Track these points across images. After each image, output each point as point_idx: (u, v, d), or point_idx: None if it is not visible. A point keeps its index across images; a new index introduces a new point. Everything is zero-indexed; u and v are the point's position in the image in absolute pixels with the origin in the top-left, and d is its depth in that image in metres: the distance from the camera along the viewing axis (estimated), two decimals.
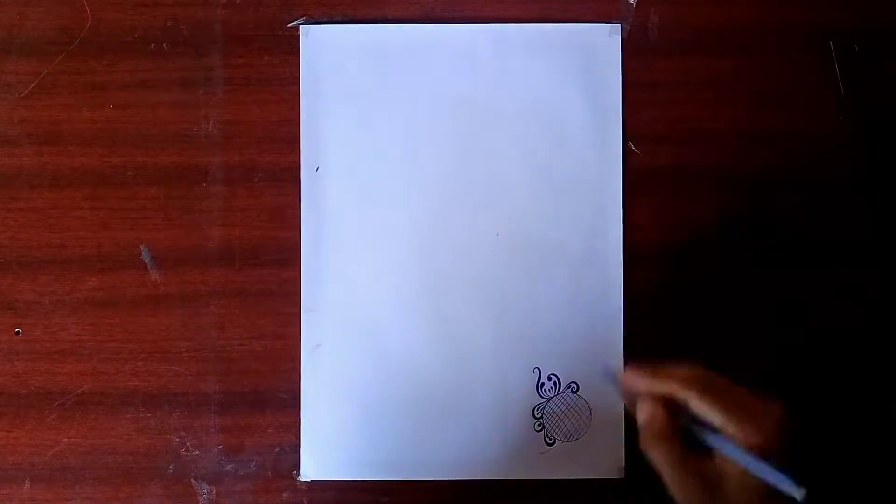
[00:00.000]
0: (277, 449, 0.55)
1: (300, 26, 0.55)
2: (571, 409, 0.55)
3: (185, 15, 0.55)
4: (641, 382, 0.47)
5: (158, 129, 0.55)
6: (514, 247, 0.55)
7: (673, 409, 0.46)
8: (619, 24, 0.55)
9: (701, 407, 0.44)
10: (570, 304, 0.55)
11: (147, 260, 0.55)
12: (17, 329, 0.55)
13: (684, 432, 0.46)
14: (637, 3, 0.56)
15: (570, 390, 0.55)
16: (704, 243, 0.55)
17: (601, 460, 0.54)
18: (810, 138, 0.55)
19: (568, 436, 0.55)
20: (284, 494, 0.55)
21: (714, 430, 0.44)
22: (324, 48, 0.55)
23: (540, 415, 0.55)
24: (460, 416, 0.54)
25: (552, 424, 0.55)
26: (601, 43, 0.55)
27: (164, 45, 0.55)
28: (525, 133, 0.55)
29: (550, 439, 0.55)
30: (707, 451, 0.45)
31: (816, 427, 0.55)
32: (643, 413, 0.47)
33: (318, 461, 0.54)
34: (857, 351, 0.55)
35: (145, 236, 0.55)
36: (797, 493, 0.41)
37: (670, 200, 0.55)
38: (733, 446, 0.43)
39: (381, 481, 0.54)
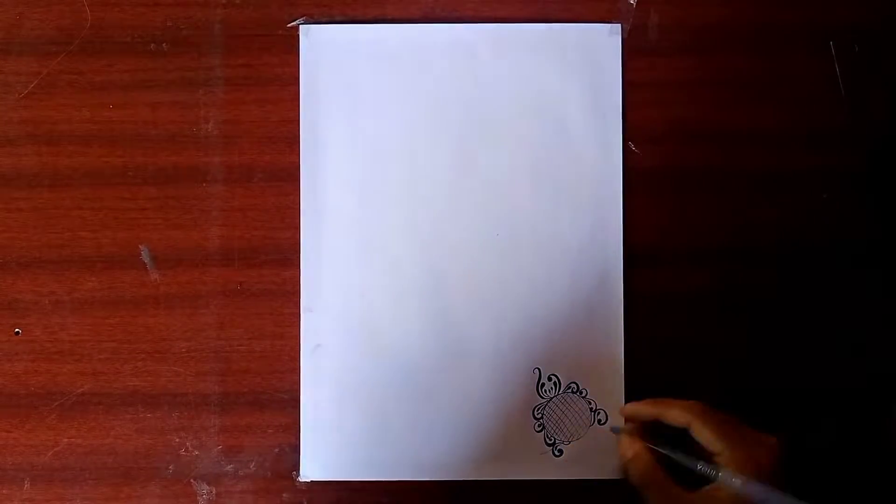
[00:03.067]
0: (277, 449, 0.55)
1: (300, 26, 0.55)
2: (571, 410, 0.55)
3: (185, 15, 0.55)
4: (644, 410, 0.51)
5: (158, 129, 0.55)
6: (514, 247, 0.55)
7: (655, 444, 0.51)
8: (619, 24, 0.55)
9: (702, 433, 0.48)
10: (570, 305, 0.55)
11: (147, 260, 0.55)
12: (16, 329, 0.55)
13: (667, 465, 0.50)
14: (637, 3, 0.56)
15: (570, 391, 0.55)
16: (704, 243, 0.55)
17: (601, 461, 0.54)
18: (810, 138, 0.55)
19: (568, 436, 0.55)
20: (284, 495, 0.55)
21: (706, 459, 0.48)
22: (324, 48, 0.55)
23: (540, 415, 0.55)
24: (460, 417, 0.54)
25: (552, 425, 0.55)
26: (601, 43, 0.55)
27: (164, 45, 0.55)
28: (525, 133, 0.55)
29: (550, 440, 0.55)
30: (692, 484, 0.48)
31: (810, 429, 0.55)
32: (628, 451, 0.51)
33: (317, 461, 0.54)
34: (857, 351, 0.55)
35: (145, 236, 0.55)
36: None
37: (670, 200, 0.55)
38: (728, 472, 0.47)
39: (380, 481, 0.54)
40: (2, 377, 0.55)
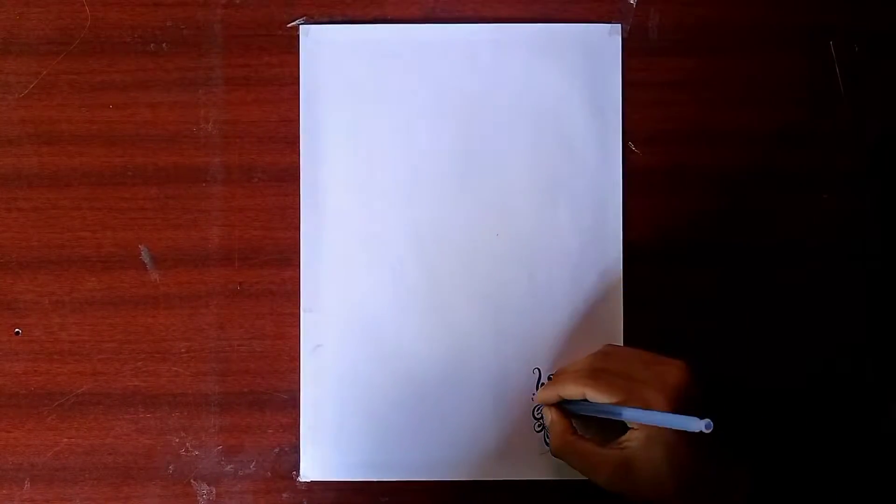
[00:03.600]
0: (277, 449, 0.55)
1: (300, 26, 0.55)
2: None
3: (185, 15, 0.55)
4: (549, 396, 0.52)
5: (158, 129, 0.55)
6: (514, 247, 0.55)
7: (568, 406, 0.51)
8: (619, 24, 0.55)
9: (596, 397, 0.48)
10: (570, 304, 0.55)
11: (146, 260, 0.55)
12: (16, 329, 0.55)
13: (589, 421, 0.51)
14: (637, 3, 0.56)
15: None
16: (704, 243, 0.55)
17: None
18: (810, 138, 0.55)
19: None
20: (284, 495, 0.55)
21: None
22: (324, 48, 0.55)
23: (540, 415, 0.55)
24: (460, 417, 0.54)
25: None
26: (601, 43, 0.55)
27: (164, 45, 0.55)
28: (525, 133, 0.55)
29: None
30: (610, 439, 0.49)
31: (811, 429, 0.55)
32: (547, 421, 0.52)
33: (317, 461, 0.54)
34: (857, 351, 0.55)
35: (145, 236, 0.55)
36: (702, 425, 0.41)
37: (670, 200, 0.55)
38: (630, 410, 0.46)
39: (380, 481, 0.54)
40: (2, 377, 0.55)
